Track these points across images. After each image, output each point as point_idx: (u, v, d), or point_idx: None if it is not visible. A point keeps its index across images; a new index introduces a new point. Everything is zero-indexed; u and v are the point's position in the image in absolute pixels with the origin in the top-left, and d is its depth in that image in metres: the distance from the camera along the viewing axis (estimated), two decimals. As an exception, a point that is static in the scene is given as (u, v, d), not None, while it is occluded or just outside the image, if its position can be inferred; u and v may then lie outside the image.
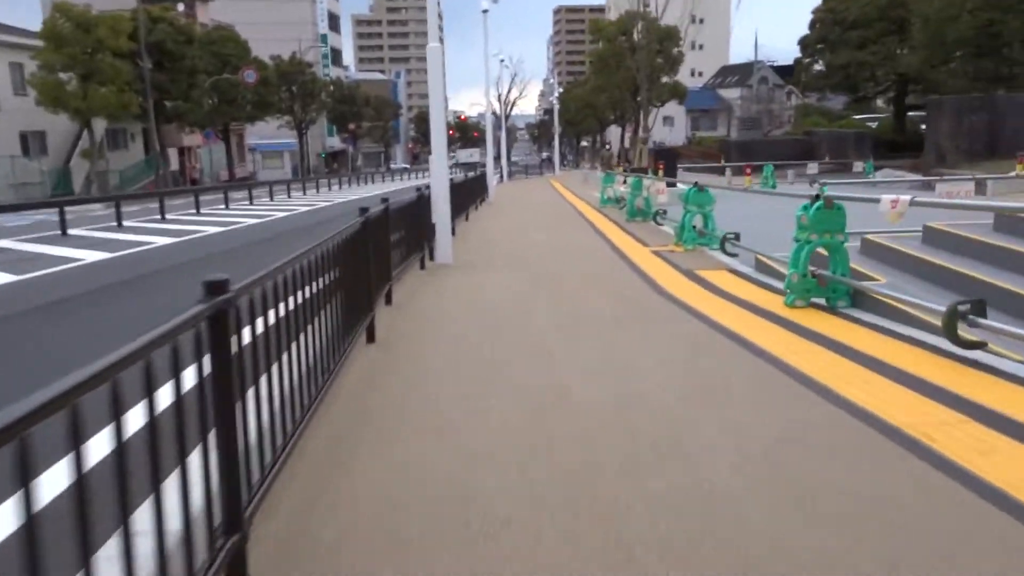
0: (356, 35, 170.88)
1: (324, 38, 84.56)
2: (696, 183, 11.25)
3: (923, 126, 47.43)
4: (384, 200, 7.40)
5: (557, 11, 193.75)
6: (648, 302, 7.62)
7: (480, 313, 7.43)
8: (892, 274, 7.06)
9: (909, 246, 7.40)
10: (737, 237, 9.67)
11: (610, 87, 44.64)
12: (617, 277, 9.20)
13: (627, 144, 49.10)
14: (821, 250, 6.71)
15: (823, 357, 5.25)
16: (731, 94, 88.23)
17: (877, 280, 6.83)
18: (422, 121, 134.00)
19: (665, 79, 42.34)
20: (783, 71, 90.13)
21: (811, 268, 6.58)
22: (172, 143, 51.48)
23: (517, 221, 18.27)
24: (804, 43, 44.57)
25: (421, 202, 9.81)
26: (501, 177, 42.63)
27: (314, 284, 4.13)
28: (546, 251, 12.24)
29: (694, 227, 11.20)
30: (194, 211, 24.53)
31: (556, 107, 58.96)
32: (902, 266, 7.22)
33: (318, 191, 41.52)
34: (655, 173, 17.18)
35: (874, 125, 52.80)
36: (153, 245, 15.23)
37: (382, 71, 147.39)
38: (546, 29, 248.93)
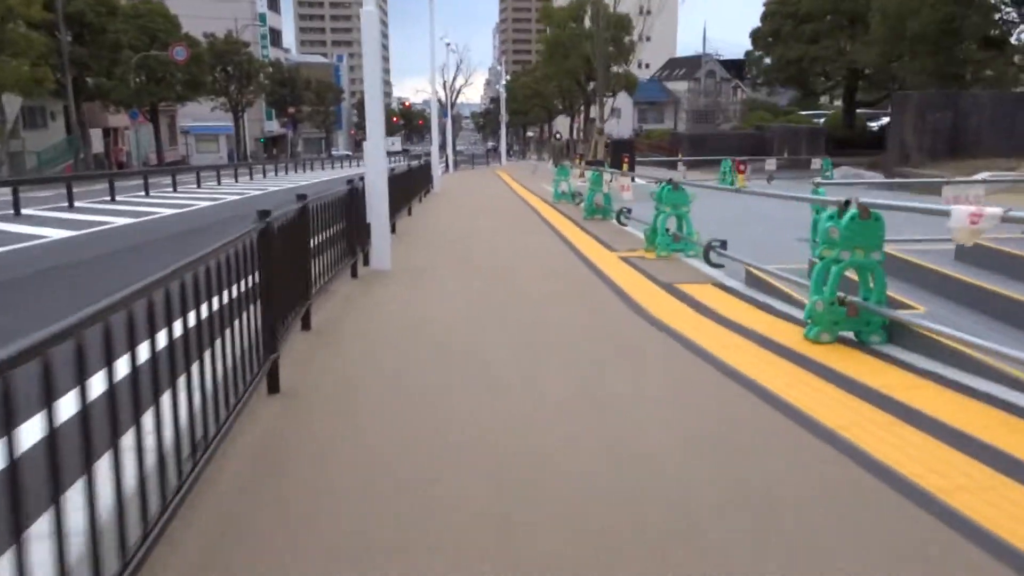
0: (298, 16, 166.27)
1: (263, 17, 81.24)
2: (671, 180, 9.89)
3: (871, 123, 47.38)
4: (301, 197, 5.84)
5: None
6: (628, 329, 6.21)
7: (424, 341, 5.91)
8: (930, 300, 5.78)
9: (944, 264, 6.14)
10: (723, 245, 8.34)
11: (560, 75, 43.24)
12: (586, 292, 7.78)
13: (578, 135, 47.87)
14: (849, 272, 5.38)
15: (864, 413, 3.95)
16: (679, 87, 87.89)
17: (915, 309, 5.54)
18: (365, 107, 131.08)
19: (616, 69, 41.11)
20: (728, 65, 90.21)
21: (839, 294, 5.24)
22: (97, 123, 48.37)
23: (465, 217, 16.77)
24: (755, 36, 43.87)
25: (354, 197, 8.23)
26: (447, 167, 40.98)
27: (177, 323, 2.64)
28: (499, 255, 10.77)
29: (667, 231, 9.86)
30: (109, 199, 22.35)
31: (503, 95, 57.36)
32: (938, 289, 5.96)
33: (252, 178, 39.27)
34: (615, 167, 15.92)
35: (821, 121, 52.66)
36: (42, 240, 13.24)
37: (324, 55, 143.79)
38: (492, 18, 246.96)
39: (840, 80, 41.94)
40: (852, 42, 38.45)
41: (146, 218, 17.37)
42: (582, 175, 21.06)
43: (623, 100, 73.41)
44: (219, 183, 33.15)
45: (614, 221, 14.18)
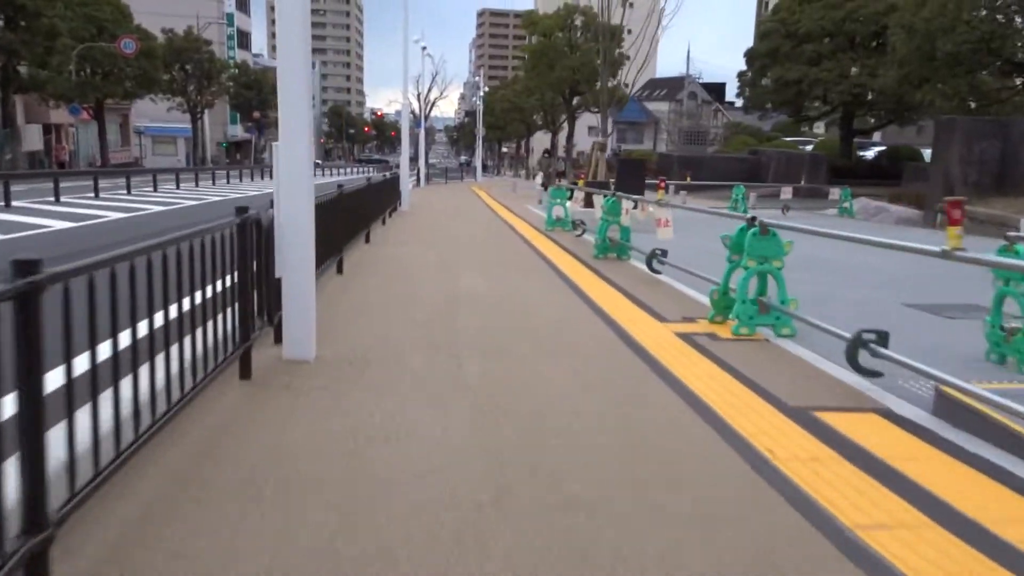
0: (270, 22, 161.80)
1: (230, 18, 77.22)
2: (755, 219, 6.44)
3: (861, 152, 44.74)
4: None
5: (481, 13, 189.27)
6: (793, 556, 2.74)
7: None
8: None
9: None
10: (883, 340, 4.88)
11: (543, 88, 40.07)
12: (649, 418, 4.30)
13: (563, 153, 44.66)
14: None
15: None
16: (658, 108, 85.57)
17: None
18: (336, 115, 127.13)
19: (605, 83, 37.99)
20: (707, 88, 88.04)
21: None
22: (37, 119, 44.11)
23: (440, 248, 13.25)
24: (751, 55, 41.10)
25: (249, 235, 4.65)
26: (418, 180, 37.46)
27: None
28: (492, 319, 7.21)
29: (729, 290, 6.45)
30: (53, 199, 19.25)
31: (480, 107, 54.00)
32: None
33: (214, 183, 35.54)
34: (625, 190, 12.66)
35: (809, 148, 50.02)
36: None
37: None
38: (468, 32, 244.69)
39: (838, 105, 39.26)
40: (855, 64, 35.81)
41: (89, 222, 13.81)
42: (585, 201, 17.75)
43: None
44: (155, 188, 29.29)
45: (635, 264, 10.76)
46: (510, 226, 16.99)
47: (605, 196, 11.78)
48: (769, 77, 40.09)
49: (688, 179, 28.19)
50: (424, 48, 34.95)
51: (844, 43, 36.99)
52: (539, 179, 25.43)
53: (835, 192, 23.41)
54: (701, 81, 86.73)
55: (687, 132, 61.11)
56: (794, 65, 37.38)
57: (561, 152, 47.44)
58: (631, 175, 18.77)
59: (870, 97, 37.14)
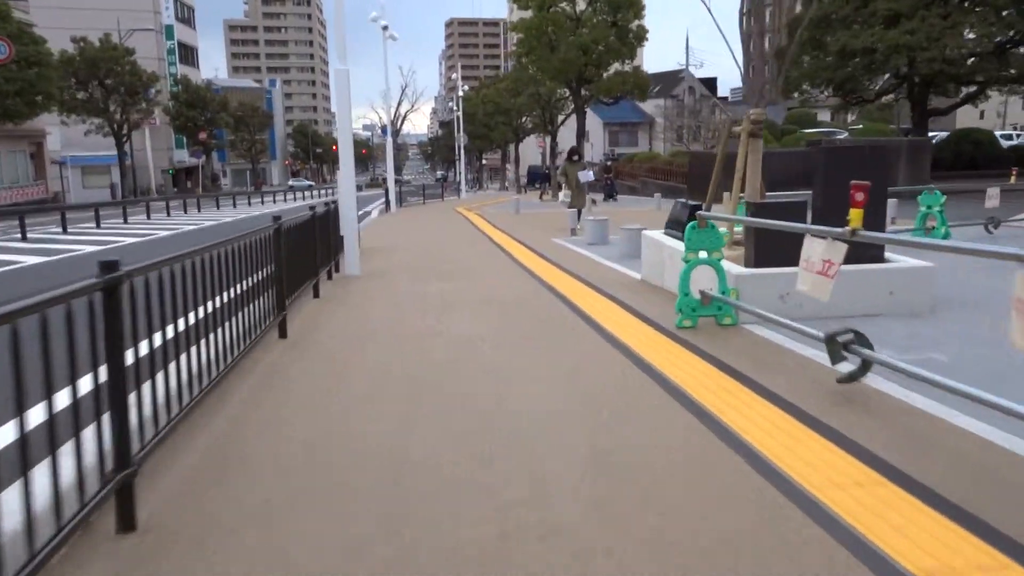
0: (229, 41, 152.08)
1: (169, 31, 67.54)
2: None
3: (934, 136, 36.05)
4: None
5: (449, 24, 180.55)
6: None
7: None
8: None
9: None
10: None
11: (542, 78, 30.90)
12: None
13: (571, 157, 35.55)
14: None
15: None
16: (651, 107, 76.80)
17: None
18: (301, 135, 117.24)
19: (620, 66, 29.04)
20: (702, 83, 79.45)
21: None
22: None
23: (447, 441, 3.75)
24: (793, 25, 32.22)
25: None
26: (387, 205, 28.05)
27: None
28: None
29: None
30: None
31: (458, 112, 44.77)
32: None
33: (126, 220, 25.85)
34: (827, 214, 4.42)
35: (840, 138, 41.11)
36: None
37: (259, 81, 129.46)
38: (437, 48, 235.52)
39: (907, 78, 30.52)
40: (947, 21, 26.99)
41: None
42: (736, 243, 8.21)
43: (591, 121, 61.36)
44: (98, 225, 22.50)
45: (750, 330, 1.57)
46: (589, 321, 7.51)
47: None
48: (821, 50, 31.21)
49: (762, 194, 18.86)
50: (386, 28, 25.53)
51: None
52: (563, 195, 16.20)
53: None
54: (701, 74, 77.97)
55: (687, 131, 52.70)
56: (862, 30, 28.60)
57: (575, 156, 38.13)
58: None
59: (969, 62, 28.37)
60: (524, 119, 47.96)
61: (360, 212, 30.71)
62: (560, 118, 38.45)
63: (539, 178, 62.69)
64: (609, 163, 30.42)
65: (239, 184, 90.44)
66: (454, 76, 44.73)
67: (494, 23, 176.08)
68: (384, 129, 27.17)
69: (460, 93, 44.50)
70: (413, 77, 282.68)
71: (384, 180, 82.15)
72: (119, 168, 47.63)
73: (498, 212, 25.42)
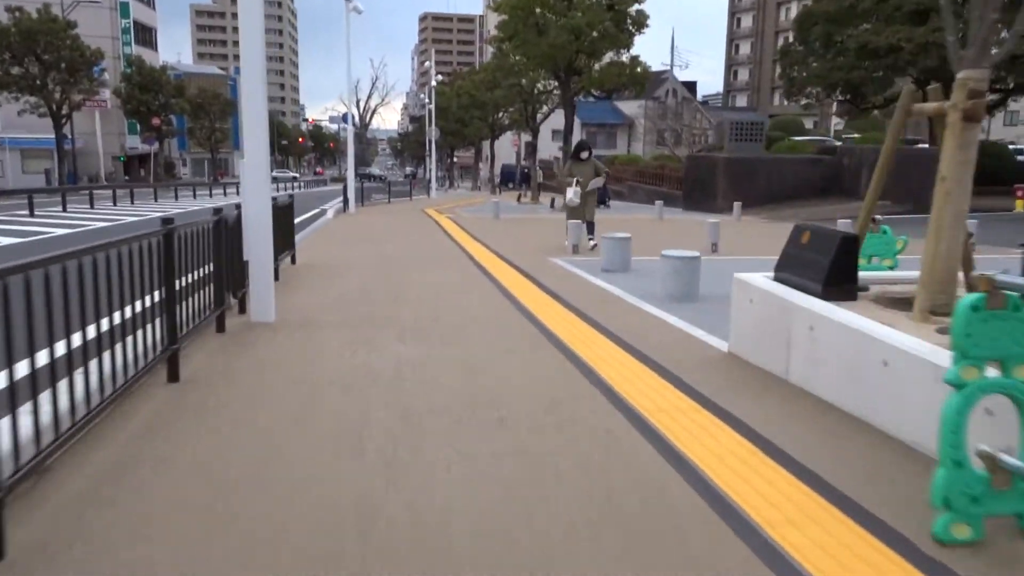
0: (195, 27, 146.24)
1: (124, 8, 62.73)
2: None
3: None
4: None
5: (423, 18, 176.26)
6: None
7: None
8: None
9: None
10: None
11: (527, 66, 27.33)
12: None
13: (561, 158, 32.00)
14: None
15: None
16: (631, 108, 73.85)
17: None
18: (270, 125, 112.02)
19: (615, 56, 25.59)
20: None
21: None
22: None
23: None
24: (803, 20, 29.19)
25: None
26: (345, 203, 24.33)
27: None
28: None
29: None
30: None
31: (431, 105, 40.95)
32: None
33: (92, 205, 22.11)
34: None
35: (845, 142, 38.21)
36: None
37: (224, 69, 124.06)
38: (410, 44, 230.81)
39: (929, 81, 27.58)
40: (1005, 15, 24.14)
41: None
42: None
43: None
44: (31, 213, 21.35)
45: None
46: (712, 496, 4.09)
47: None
48: (832, 49, 28.09)
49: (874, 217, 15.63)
50: (355, 7, 21.86)
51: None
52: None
53: None
54: (682, 76, 75.12)
55: (746, 124, 49.32)
56: (883, 26, 25.54)
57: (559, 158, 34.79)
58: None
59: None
60: (501, 114, 44.34)
61: (315, 211, 27.25)
62: (541, 114, 34.95)
63: (513, 177, 58.97)
64: (599, 164, 27.09)
65: (199, 174, 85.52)
66: (427, 64, 40.99)
67: (469, 19, 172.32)
68: (345, 116, 23.52)
69: (433, 83, 40.76)
70: (384, 70, 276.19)
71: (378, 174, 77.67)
72: (57, 152, 43.05)
73: (474, 217, 21.85)
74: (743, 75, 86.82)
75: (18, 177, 50.49)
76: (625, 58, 25.40)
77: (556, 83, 32.46)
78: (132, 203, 30.43)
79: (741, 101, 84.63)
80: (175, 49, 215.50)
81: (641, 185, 32.79)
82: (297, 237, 11.49)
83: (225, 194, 45.30)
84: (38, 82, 40.32)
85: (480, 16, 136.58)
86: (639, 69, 24.86)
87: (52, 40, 39.56)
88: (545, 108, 35.12)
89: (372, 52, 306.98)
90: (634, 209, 26.77)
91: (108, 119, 61.02)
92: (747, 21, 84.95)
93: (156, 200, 33.82)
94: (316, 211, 24.64)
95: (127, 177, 64.40)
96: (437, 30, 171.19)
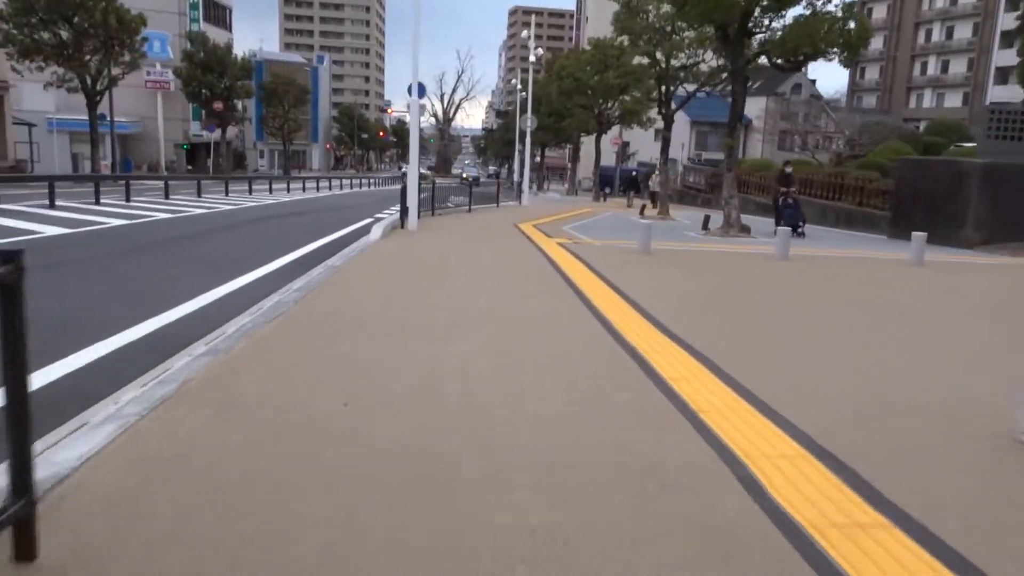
0: (283, 16, 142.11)
1: (193, -20, 56.57)
2: None
3: None
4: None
5: (513, 12, 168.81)
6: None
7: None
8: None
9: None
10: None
11: (669, 23, 18.51)
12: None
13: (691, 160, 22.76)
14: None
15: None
16: (748, 106, 63.83)
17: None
18: (347, 118, 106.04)
19: (804, 7, 16.63)
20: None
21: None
22: None
23: None
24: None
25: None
26: (403, 214, 15.79)
27: None
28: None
29: None
30: None
31: (525, 92, 32.39)
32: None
33: (128, 199, 14.74)
34: None
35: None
36: None
37: (309, 59, 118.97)
38: (497, 41, 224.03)
39: None
40: None
41: None
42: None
43: (678, 118, 47.73)
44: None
45: None
46: None
47: None
48: None
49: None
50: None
51: None
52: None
53: None
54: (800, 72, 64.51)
55: (1008, 121, 40.20)
56: None
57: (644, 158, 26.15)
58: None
59: None
60: (612, 104, 35.43)
61: (357, 225, 16.90)
62: (711, 83, 25.89)
63: (616, 183, 49.66)
64: (788, 171, 17.95)
65: (278, 166, 79.60)
66: (525, 34, 32.60)
67: (560, 14, 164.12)
68: (410, 89, 15.17)
69: (532, 57, 32.30)
70: (471, 63, 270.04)
71: (427, 172, 69.61)
72: (92, 134, 36.46)
73: (605, 248, 13.21)
74: (872, 73, 75.45)
75: (65, 162, 44.58)
76: (831, 6, 16.41)
77: (702, 53, 23.61)
78: (167, 197, 23.14)
79: (868, 102, 73.37)
80: (269, 41, 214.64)
81: (811, 200, 23.59)
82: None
83: (288, 190, 37.92)
84: (68, 51, 33.66)
85: (572, 12, 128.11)
86: (852, 24, 15.83)
87: (85, 2, 32.82)
88: (683, 89, 26.33)
89: (459, 46, 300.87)
90: (820, 237, 17.72)
91: (171, 103, 55.00)
92: (880, 11, 73.55)
93: (200, 195, 26.38)
94: (350, 230, 16.19)
95: (190, 167, 58.38)
96: (528, 25, 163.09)
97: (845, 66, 20.99)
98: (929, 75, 69.42)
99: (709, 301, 7.90)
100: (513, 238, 14.19)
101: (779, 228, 16.09)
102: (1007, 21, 61.73)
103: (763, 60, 18.13)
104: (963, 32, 67.17)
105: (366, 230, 14.69)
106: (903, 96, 71.04)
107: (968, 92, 66.13)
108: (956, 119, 51.64)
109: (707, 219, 17.63)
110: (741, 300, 8.12)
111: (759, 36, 17.75)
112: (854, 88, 75.99)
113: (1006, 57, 62.10)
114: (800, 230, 15.54)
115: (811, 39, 16.57)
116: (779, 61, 17.48)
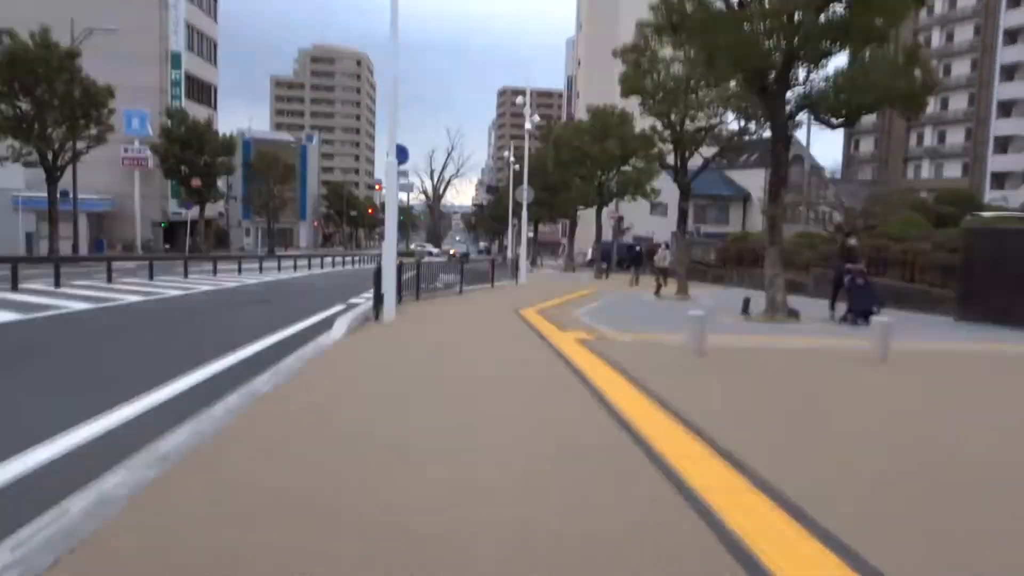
0: (275, 97, 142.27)
1: (176, 59, 54.79)
2: None
3: None
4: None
5: (502, 92, 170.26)
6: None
7: None
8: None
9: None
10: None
11: (706, 67, 16.18)
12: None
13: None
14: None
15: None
16: (746, 178, 62.41)
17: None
18: (336, 196, 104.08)
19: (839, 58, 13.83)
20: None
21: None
22: None
23: None
24: None
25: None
26: (378, 300, 12.60)
27: None
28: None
29: None
30: None
31: (515, 164, 29.79)
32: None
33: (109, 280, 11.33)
34: None
35: None
36: None
37: (298, 138, 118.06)
38: (486, 121, 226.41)
39: None
40: None
41: None
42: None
43: (670, 193, 44.86)
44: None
45: None
46: None
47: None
48: None
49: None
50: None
51: None
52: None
53: None
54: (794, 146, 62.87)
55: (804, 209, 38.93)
56: None
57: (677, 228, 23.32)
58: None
59: None
60: (611, 174, 32.83)
61: (322, 316, 12.13)
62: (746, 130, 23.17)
63: (613, 258, 46.07)
64: (852, 242, 14.93)
65: (261, 244, 76.80)
66: (520, 100, 30.15)
67: (548, 94, 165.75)
68: (397, 150, 12.16)
69: (528, 125, 29.97)
70: (460, 141, 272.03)
71: (417, 249, 66.39)
72: (50, 211, 33.53)
73: (641, 343, 10.09)
74: (866, 145, 74.23)
75: (41, 242, 41.48)
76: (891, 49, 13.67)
77: (721, 113, 21.10)
78: (109, 281, 19.93)
79: (864, 175, 71.83)
80: (261, 122, 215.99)
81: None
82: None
83: (279, 268, 34.76)
84: (24, 125, 31.02)
85: (559, 92, 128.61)
86: (917, 72, 13.13)
87: (41, 68, 30.36)
88: (699, 153, 23.80)
89: (449, 126, 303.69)
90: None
91: (149, 180, 52.50)
92: (871, 85, 72.81)
93: (151, 277, 23.02)
94: (311, 322, 12.85)
95: (168, 246, 55.47)
96: (517, 104, 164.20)
97: (908, 119, 18.29)
98: (926, 145, 68.07)
99: (863, 459, 4.68)
100: (517, 331, 11.00)
101: (849, 313, 13.15)
102: (1004, 91, 60.68)
103: (801, 115, 15.44)
104: (958, 103, 66.13)
105: (330, 322, 11.44)
106: (900, 167, 69.54)
107: (967, 162, 64.65)
108: (963, 188, 49.69)
109: (747, 302, 14.53)
110: (905, 452, 4.90)
111: (799, 89, 15.02)
112: (848, 161, 74.63)
113: (1004, 126, 60.76)
114: (876, 313, 12.42)
115: (873, 89, 13.87)
116: (828, 117, 14.74)
